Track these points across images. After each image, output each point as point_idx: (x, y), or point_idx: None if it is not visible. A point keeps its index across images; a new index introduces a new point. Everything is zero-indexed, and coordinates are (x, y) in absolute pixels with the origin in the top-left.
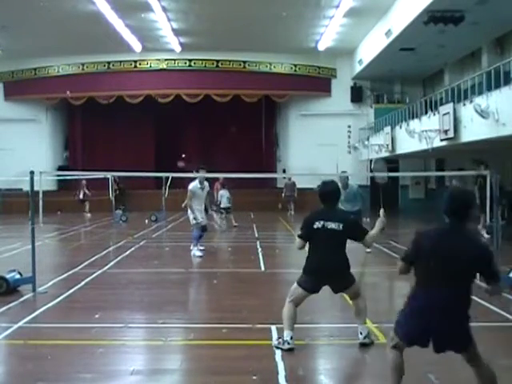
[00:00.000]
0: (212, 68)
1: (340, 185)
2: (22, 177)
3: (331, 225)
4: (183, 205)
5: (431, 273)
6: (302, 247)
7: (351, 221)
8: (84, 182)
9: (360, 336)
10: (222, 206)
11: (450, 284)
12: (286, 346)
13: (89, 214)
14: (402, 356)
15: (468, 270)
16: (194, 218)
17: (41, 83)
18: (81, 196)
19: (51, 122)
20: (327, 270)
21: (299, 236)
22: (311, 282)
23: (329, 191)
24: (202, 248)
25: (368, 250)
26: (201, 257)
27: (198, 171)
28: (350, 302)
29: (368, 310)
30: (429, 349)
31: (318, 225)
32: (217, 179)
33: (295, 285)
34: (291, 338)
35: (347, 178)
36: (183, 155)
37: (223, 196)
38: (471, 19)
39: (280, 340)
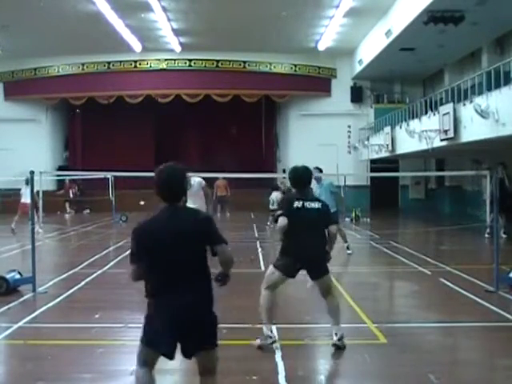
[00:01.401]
0: (212, 68)
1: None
2: (21, 177)
3: (311, 204)
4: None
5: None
6: (286, 226)
7: (326, 204)
8: (67, 182)
9: (334, 337)
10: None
11: None
12: (270, 341)
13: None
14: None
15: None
16: None
17: (41, 83)
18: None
19: (51, 122)
20: (309, 253)
21: (282, 214)
22: (292, 265)
23: (300, 175)
24: None
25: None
26: None
27: None
28: (325, 300)
29: (368, 310)
30: (429, 349)
31: (297, 204)
32: (216, 179)
33: (272, 269)
34: (271, 331)
35: (320, 171)
36: None
37: (274, 197)
38: (471, 19)
39: (260, 338)
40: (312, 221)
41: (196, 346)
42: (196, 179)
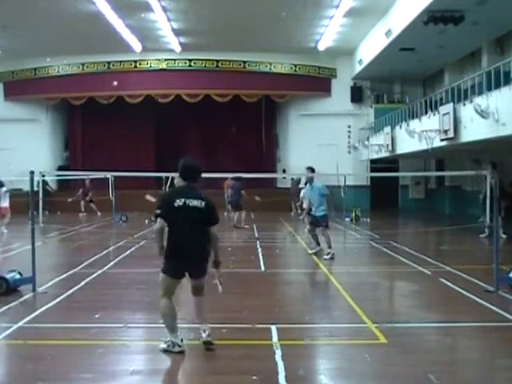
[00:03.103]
0: (212, 68)
1: (304, 180)
2: (22, 177)
3: (193, 202)
4: None
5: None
6: (163, 228)
7: (211, 203)
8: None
9: (203, 335)
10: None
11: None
12: (177, 349)
13: (84, 214)
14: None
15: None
16: None
17: (41, 83)
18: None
19: (51, 121)
20: (190, 252)
21: (159, 215)
22: (178, 266)
23: (197, 166)
24: None
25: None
26: None
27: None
28: (193, 298)
29: (368, 310)
30: (429, 349)
31: (178, 203)
32: (225, 179)
33: (162, 275)
34: (181, 339)
35: (312, 171)
36: None
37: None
38: (471, 19)
39: (169, 343)
40: (194, 218)
41: None
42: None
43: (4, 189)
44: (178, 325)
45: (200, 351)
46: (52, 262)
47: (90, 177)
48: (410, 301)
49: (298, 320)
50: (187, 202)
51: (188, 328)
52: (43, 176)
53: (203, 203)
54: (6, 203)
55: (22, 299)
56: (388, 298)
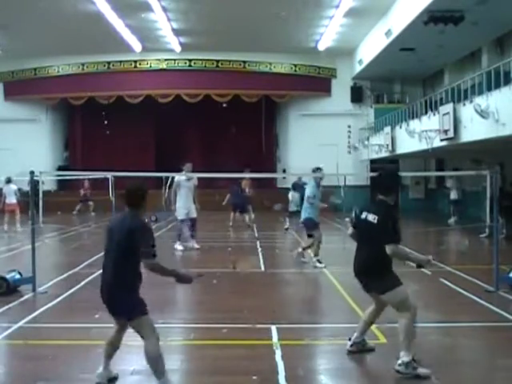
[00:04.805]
0: (212, 68)
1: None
2: (22, 177)
3: (370, 216)
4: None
5: None
6: (351, 235)
7: (385, 215)
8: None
9: (397, 361)
10: (289, 209)
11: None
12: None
13: (93, 213)
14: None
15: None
16: (178, 209)
17: (41, 83)
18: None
19: (51, 122)
20: (355, 266)
21: (351, 223)
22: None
23: (376, 178)
24: (181, 248)
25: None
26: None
27: (184, 165)
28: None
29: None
30: (429, 349)
31: (363, 215)
32: (242, 178)
33: (401, 288)
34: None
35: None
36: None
37: (293, 198)
38: (471, 19)
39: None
40: (367, 233)
41: (112, 313)
42: (193, 176)
43: (12, 185)
44: (177, 325)
45: (200, 351)
46: (52, 262)
47: (90, 177)
48: None
49: (298, 320)
50: (367, 215)
51: (186, 328)
52: (35, 176)
53: (376, 218)
54: (13, 199)
55: (22, 299)
56: None
